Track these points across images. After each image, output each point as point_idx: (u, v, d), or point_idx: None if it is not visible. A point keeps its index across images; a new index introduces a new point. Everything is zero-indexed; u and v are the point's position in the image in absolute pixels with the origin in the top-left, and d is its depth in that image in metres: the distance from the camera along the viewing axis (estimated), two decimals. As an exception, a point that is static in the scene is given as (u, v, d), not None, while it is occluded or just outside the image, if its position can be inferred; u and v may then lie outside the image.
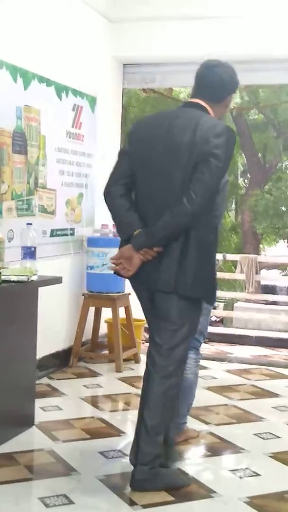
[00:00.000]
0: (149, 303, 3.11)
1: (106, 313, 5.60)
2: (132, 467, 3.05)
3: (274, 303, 9.72)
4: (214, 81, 3.06)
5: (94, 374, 5.15)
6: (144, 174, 3.00)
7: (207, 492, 3.06)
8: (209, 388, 4.78)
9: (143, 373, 3.12)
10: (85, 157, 5.47)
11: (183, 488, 3.08)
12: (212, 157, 2.86)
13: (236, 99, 10.18)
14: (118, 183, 3.05)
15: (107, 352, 5.70)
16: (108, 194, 3.07)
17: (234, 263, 9.78)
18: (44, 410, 4.12)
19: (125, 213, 3.01)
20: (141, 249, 2.92)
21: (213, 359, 5.80)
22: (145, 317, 3.22)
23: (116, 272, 3.06)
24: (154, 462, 3.01)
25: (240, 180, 16.21)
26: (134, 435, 3.07)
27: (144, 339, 6.02)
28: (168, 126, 2.96)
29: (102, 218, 5.65)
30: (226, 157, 2.91)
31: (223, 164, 2.89)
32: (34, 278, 3.57)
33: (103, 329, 5.74)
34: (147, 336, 6.03)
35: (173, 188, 2.91)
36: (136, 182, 3.04)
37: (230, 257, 8.83)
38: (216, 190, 2.94)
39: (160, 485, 3.03)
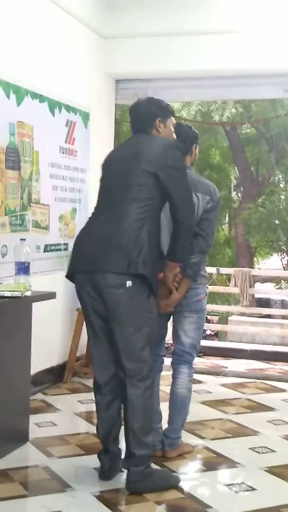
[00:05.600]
0: None
1: (101, 328, 5.59)
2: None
3: (269, 316, 9.72)
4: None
5: (88, 389, 5.12)
6: None
7: (202, 507, 3.05)
8: (204, 403, 4.77)
9: None
10: (78, 172, 5.49)
11: (173, 487, 3.21)
12: None
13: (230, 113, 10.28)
14: None
15: (102, 367, 5.67)
16: None
17: (228, 277, 9.79)
18: (38, 426, 4.11)
19: None
20: None
21: (208, 373, 5.79)
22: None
23: None
24: (147, 462, 3.17)
25: (233, 194, 16.27)
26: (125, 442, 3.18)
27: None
28: None
29: (96, 233, 5.66)
30: None
31: None
32: (28, 293, 3.56)
33: (98, 344, 5.72)
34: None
35: None
36: None
37: (224, 270, 8.84)
38: None
39: (153, 485, 3.17)
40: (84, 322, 3.41)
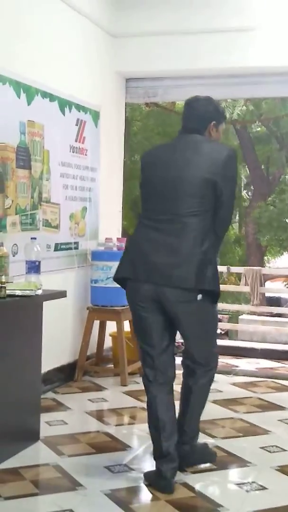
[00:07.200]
0: None
1: (111, 326, 5.60)
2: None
3: (279, 315, 9.70)
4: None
5: (99, 388, 5.14)
6: None
7: (213, 506, 3.05)
8: (215, 402, 4.75)
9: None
10: (88, 171, 5.49)
11: (209, 462, 3.52)
12: None
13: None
14: None
15: (112, 365, 5.69)
16: None
17: (239, 276, 9.78)
18: (49, 425, 4.11)
19: None
20: None
21: (218, 372, 5.73)
22: None
23: None
24: (192, 441, 3.47)
25: (244, 193, 16.25)
26: (177, 423, 3.35)
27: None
28: None
29: (106, 232, 5.67)
30: None
31: None
32: (39, 292, 3.57)
33: (108, 342, 5.73)
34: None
35: None
36: None
37: (235, 269, 8.79)
38: None
39: (193, 461, 3.47)
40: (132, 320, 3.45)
